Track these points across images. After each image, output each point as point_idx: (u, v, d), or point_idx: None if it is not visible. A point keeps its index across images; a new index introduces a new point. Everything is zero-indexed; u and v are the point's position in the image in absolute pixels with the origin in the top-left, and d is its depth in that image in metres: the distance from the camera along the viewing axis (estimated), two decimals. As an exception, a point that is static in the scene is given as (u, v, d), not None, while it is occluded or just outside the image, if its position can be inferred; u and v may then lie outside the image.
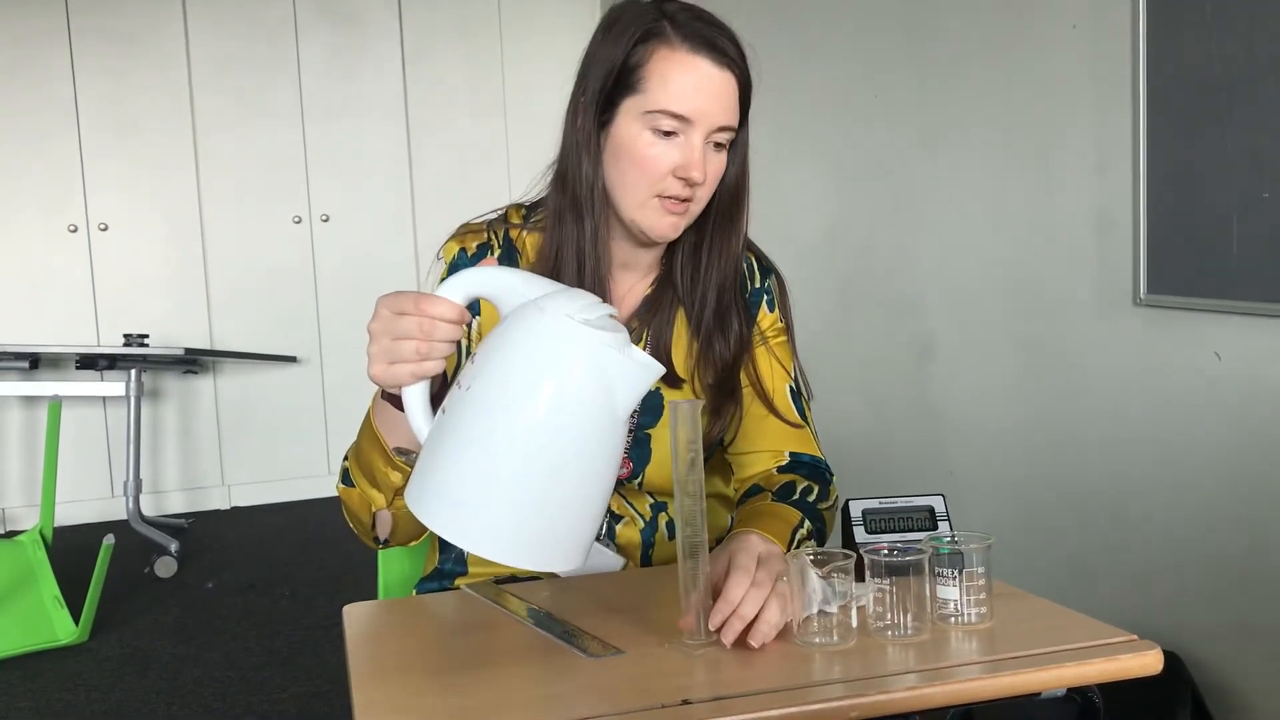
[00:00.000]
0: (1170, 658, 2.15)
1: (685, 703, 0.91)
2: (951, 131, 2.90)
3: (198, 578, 3.82)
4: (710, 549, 1.08)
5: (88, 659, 3.11)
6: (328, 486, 4.66)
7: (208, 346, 4.68)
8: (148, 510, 4.38)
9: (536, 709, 0.94)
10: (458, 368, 1.27)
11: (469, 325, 1.31)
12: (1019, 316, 2.71)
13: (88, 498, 4.55)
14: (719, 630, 1.02)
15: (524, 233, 1.35)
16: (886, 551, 1.06)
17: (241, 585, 3.74)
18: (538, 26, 5.04)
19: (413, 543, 1.27)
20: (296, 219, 4.83)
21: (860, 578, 1.07)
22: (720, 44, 1.21)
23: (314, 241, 4.85)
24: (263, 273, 4.78)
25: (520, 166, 4.91)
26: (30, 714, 2.77)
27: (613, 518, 1.33)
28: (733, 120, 1.23)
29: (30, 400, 4.51)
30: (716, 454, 1.41)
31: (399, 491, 1.15)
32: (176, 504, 4.74)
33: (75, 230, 4.58)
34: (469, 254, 1.33)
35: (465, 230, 1.36)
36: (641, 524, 1.34)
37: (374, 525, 1.23)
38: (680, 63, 1.20)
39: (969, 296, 2.88)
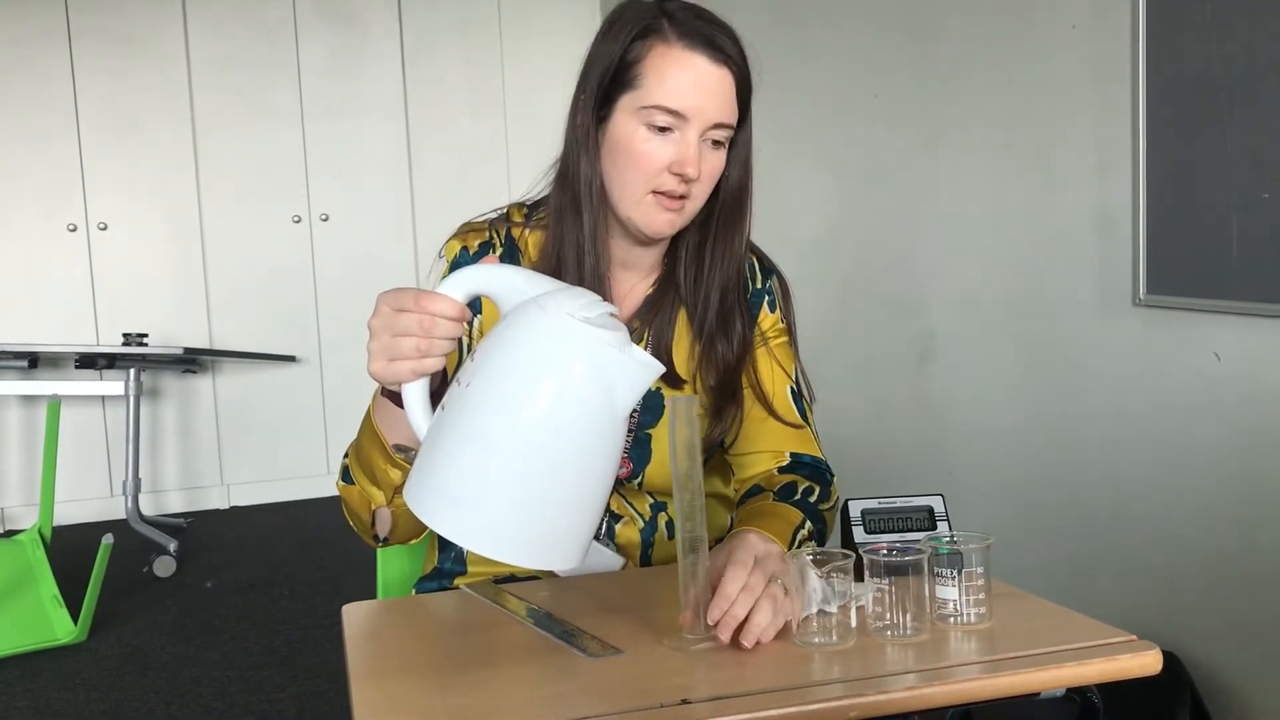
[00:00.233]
0: (1169, 658, 2.15)
1: (684, 702, 0.91)
2: (952, 131, 2.90)
3: (197, 577, 3.82)
4: (710, 549, 1.08)
5: (86, 658, 3.10)
6: (327, 486, 4.66)
7: (207, 346, 4.68)
8: (147, 510, 4.38)
9: (536, 709, 0.94)
10: (459, 365, 1.27)
11: (470, 323, 1.31)
12: (1019, 316, 2.71)
13: (87, 497, 4.55)
14: (717, 625, 1.02)
15: (526, 231, 1.35)
16: (886, 551, 1.06)
17: (240, 585, 3.74)
18: (538, 26, 5.04)
19: (413, 541, 1.27)
20: (296, 219, 4.83)
21: (859, 578, 1.07)
22: (717, 41, 1.21)
23: (313, 241, 4.85)
24: (262, 272, 4.78)
25: (520, 166, 4.92)
26: (29, 713, 2.77)
27: (612, 517, 1.33)
28: (729, 118, 1.23)
29: (29, 399, 4.51)
30: (716, 454, 1.41)
31: (399, 489, 1.15)
32: (175, 503, 4.74)
33: (75, 230, 4.58)
34: (471, 252, 1.33)
35: (467, 229, 1.36)
36: (641, 524, 1.34)
37: (374, 523, 1.23)
38: (676, 59, 1.20)
39: (969, 296, 2.88)
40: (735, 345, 1.34)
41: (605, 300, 1.01)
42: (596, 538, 1.32)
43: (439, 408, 1.01)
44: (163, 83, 4.64)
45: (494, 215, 1.38)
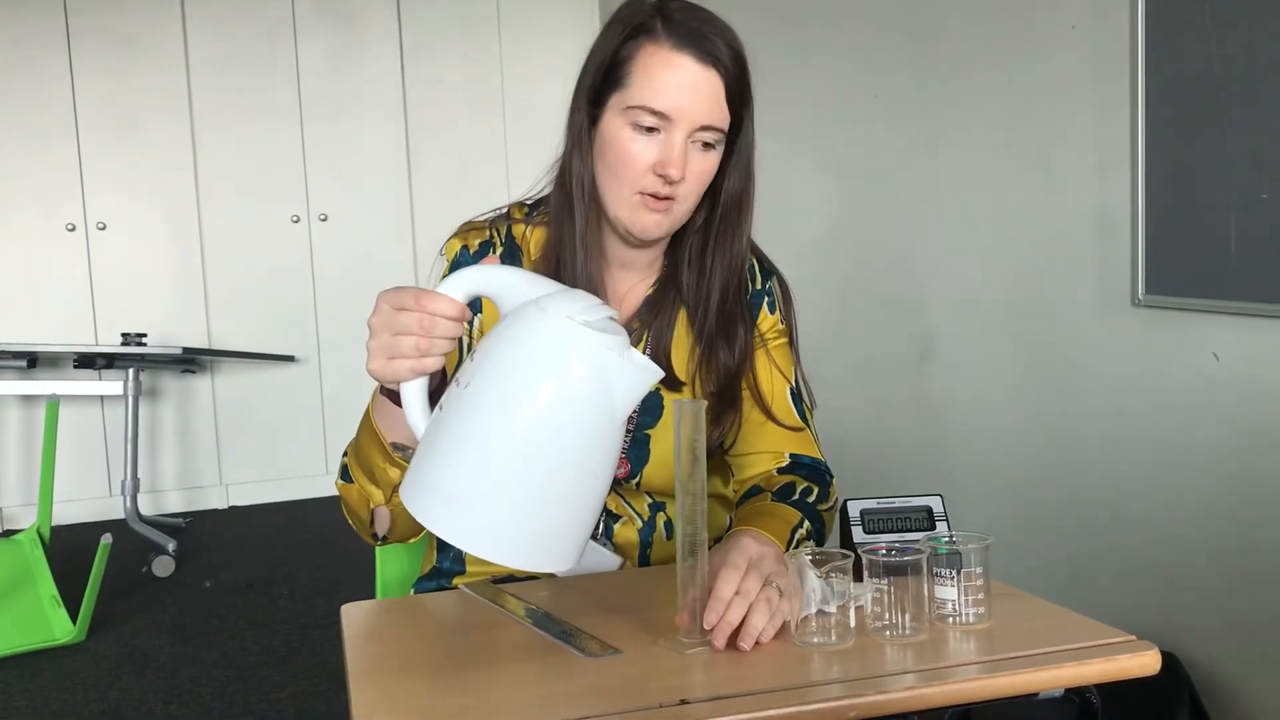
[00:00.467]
0: (1168, 658, 2.15)
1: (683, 702, 0.91)
2: (951, 132, 2.90)
3: (195, 577, 3.82)
4: (709, 549, 1.08)
5: (85, 658, 3.10)
6: (326, 486, 4.66)
7: (206, 346, 4.68)
8: (145, 509, 4.37)
9: (534, 709, 0.94)
10: (458, 365, 1.27)
11: (470, 323, 1.31)
12: (1018, 317, 2.71)
13: (85, 497, 4.55)
14: (712, 630, 1.02)
15: (527, 230, 1.35)
16: (885, 551, 1.06)
17: (239, 585, 3.74)
18: (537, 26, 5.04)
19: (412, 540, 1.27)
20: (295, 219, 4.82)
21: (858, 578, 1.07)
22: (707, 43, 1.20)
23: (312, 241, 4.85)
24: (261, 272, 4.78)
25: (519, 166, 4.91)
26: (28, 713, 2.77)
27: (610, 517, 1.33)
28: (718, 120, 1.22)
29: (28, 399, 4.51)
30: (715, 455, 1.41)
31: (397, 488, 1.15)
32: (174, 503, 4.74)
33: (73, 229, 4.58)
34: (471, 251, 1.33)
35: (468, 228, 1.36)
36: (639, 524, 1.34)
37: (372, 522, 1.23)
38: (664, 59, 1.20)
39: (968, 296, 2.88)
40: (737, 352, 1.33)
41: (603, 300, 1.01)
42: (595, 538, 1.32)
43: (437, 407, 1.00)
44: (162, 83, 4.64)
45: (495, 214, 1.38)
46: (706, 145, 1.23)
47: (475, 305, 1.31)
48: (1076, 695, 0.99)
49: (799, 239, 3.46)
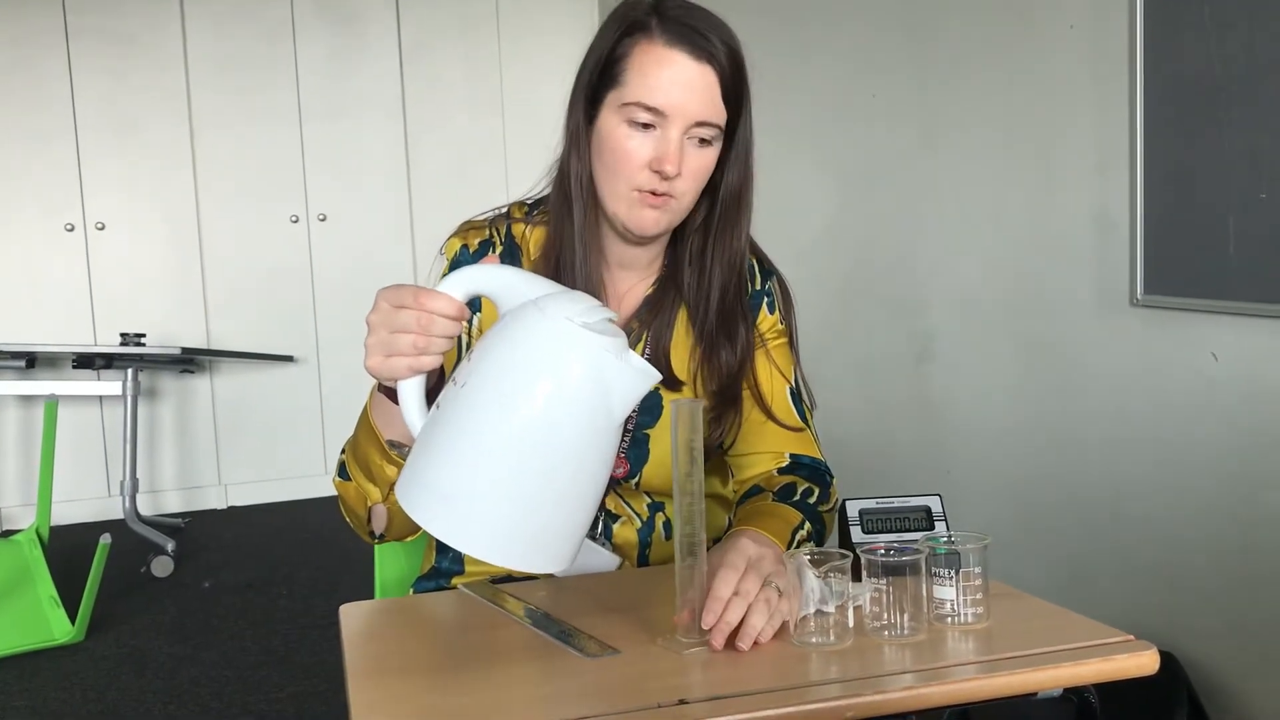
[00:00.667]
0: (1167, 658, 2.15)
1: (682, 702, 0.91)
2: (951, 131, 2.90)
3: (194, 577, 3.82)
4: (707, 550, 1.08)
5: (84, 658, 3.10)
6: (325, 486, 4.66)
7: (205, 346, 4.68)
8: (144, 510, 4.37)
9: (533, 709, 0.94)
10: (456, 364, 1.27)
11: (470, 322, 1.31)
12: (1018, 316, 2.71)
13: (84, 497, 4.54)
14: (711, 630, 1.02)
15: (527, 229, 1.35)
16: (883, 551, 1.06)
17: (238, 585, 3.74)
18: (536, 25, 5.04)
19: (409, 538, 1.27)
20: (294, 218, 4.82)
21: (857, 578, 1.07)
22: (701, 39, 1.20)
23: (311, 241, 4.85)
24: (260, 272, 4.78)
25: (518, 165, 4.91)
26: (26, 713, 2.77)
27: (609, 517, 1.33)
28: (713, 116, 1.22)
29: (27, 399, 4.51)
30: (715, 455, 1.40)
31: (394, 486, 1.15)
32: (173, 503, 4.74)
33: (72, 229, 4.58)
34: (471, 250, 1.33)
35: (468, 227, 1.36)
36: (638, 524, 1.34)
37: (370, 520, 1.23)
38: (658, 56, 1.20)
39: (968, 296, 2.88)
40: (738, 350, 1.33)
41: (602, 300, 1.01)
42: (593, 538, 1.32)
43: (434, 406, 1.00)
44: (161, 82, 4.64)
45: (495, 214, 1.38)
46: (703, 141, 1.23)
47: (475, 304, 1.31)
48: (1075, 695, 1.00)
49: (798, 239, 3.46)
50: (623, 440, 1.31)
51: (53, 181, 4.55)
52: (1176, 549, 2.27)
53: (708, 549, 1.08)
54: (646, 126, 1.21)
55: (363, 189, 4.89)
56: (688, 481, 1.02)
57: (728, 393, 1.34)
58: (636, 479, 1.33)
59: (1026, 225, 2.65)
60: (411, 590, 1.39)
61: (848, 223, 3.39)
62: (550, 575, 1.29)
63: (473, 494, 0.94)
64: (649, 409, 1.32)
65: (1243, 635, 2.14)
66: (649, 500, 1.34)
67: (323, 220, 4.85)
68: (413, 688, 0.98)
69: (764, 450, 1.37)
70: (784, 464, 1.36)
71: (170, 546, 3.86)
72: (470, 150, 4.98)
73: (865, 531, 1.25)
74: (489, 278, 1.03)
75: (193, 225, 4.72)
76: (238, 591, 3.67)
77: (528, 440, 0.94)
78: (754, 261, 1.39)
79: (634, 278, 1.35)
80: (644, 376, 0.97)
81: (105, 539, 3.16)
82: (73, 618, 3.17)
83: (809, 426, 1.39)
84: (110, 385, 4.12)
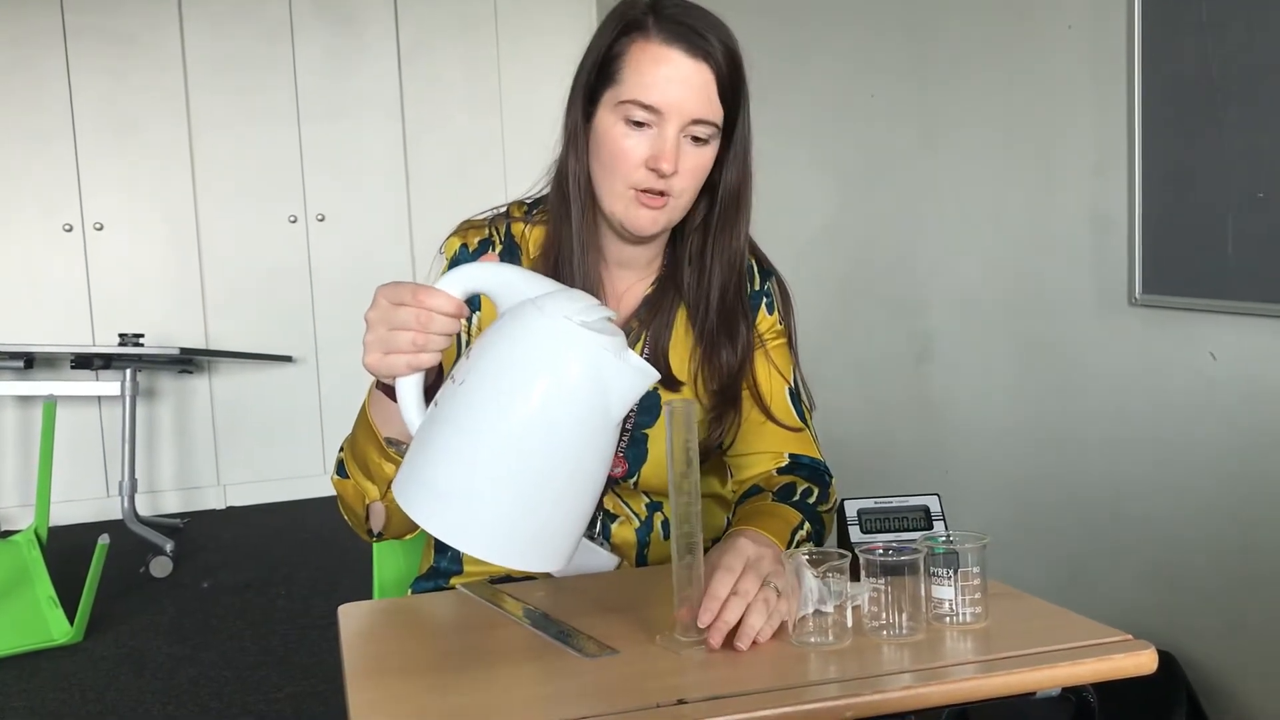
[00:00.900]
0: (1166, 658, 2.15)
1: (681, 702, 0.91)
2: (950, 131, 2.90)
3: (193, 577, 3.82)
4: (706, 550, 1.08)
5: (83, 659, 3.10)
6: (323, 486, 4.66)
7: (203, 346, 4.68)
8: (143, 510, 4.37)
9: (532, 709, 0.94)
10: (456, 361, 1.27)
11: (469, 320, 1.31)
12: (1017, 316, 2.71)
13: (83, 497, 4.54)
14: (709, 629, 1.02)
15: (527, 228, 1.35)
16: (882, 551, 1.06)
17: (237, 585, 3.74)
18: (534, 26, 5.04)
19: (408, 537, 1.27)
20: (293, 219, 4.82)
21: (856, 577, 1.07)
22: (697, 38, 1.20)
23: (310, 241, 4.85)
24: (259, 272, 4.78)
25: (517, 165, 4.91)
26: (25, 714, 2.77)
27: (608, 517, 1.33)
28: (710, 114, 1.22)
29: (25, 400, 4.50)
30: (714, 455, 1.40)
31: (392, 484, 1.15)
32: (172, 504, 4.74)
33: (71, 230, 4.57)
34: (471, 249, 1.33)
35: (467, 226, 1.36)
36: (637, 524, 1.34)
37: (368, 518, 1.23)
38: (654, 54, 1.20)
39: (967, 296, 2.88)
40: (739, 350, 1.33)
41: (601, 299, 1.00)
42: (592, 538, 1.32)
43: (432, 404, 1.00)
44: (159, 82, 4.64)
45: (494, 213, 1.38)
46: (700, 140, 1.23)
47: (474, 303, 1.31)
48: (1073, 694, 0.99)
49: (797, 239, 3.46)
50: (621, 440, 1.31)
51: (51, 181, 4.54)
52: (1175, 549, 2.27)
53: (707, 549, 1.08)
54: (643, 125, 1.21)
55: (361, 189, 4.89)
56: (684, 481, 1.02)
57: (728, 393, 1.34)
58: (635, 479, 1.33)
59: (1026, 225, 2.66)
60: (410, 590, 1.39)
61: (847, 223, 3.39)
62: (549, 575, 1.29)
63: (470, 492, 0.94)
64: (648, 409, 1.32)
65: (1242, 635, 2.14)
66: (647, 500, 1.34)
67: (321, 220, 4.85)
68: (411, 688, 0.97)
69: (763, 450, 1.37)
70: (783, 464, 1.36)
71: (169, 547, 3.86)
72: (469, 150, 4.98)
73: (864, 531, 1.24)
74: (487, 275, 1.03)
75: (191, 225, 4.71)
76: (236, 592, 3.67)
77: (525, 439, 0.94)
78: (753, 262, 1.39)
79: (633, 277, 1.35)
80: (642, 375, 0.97)
81: (104, 539, 3.16)
82: (71, 618, 3.17)
83: (808, 427, 1.39)
84: (109, 385, 4.12)
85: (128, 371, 4.07)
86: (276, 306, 4.81)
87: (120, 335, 4.20)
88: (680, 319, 1.35)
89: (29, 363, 4.17)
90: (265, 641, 3.21)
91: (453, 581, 1.34)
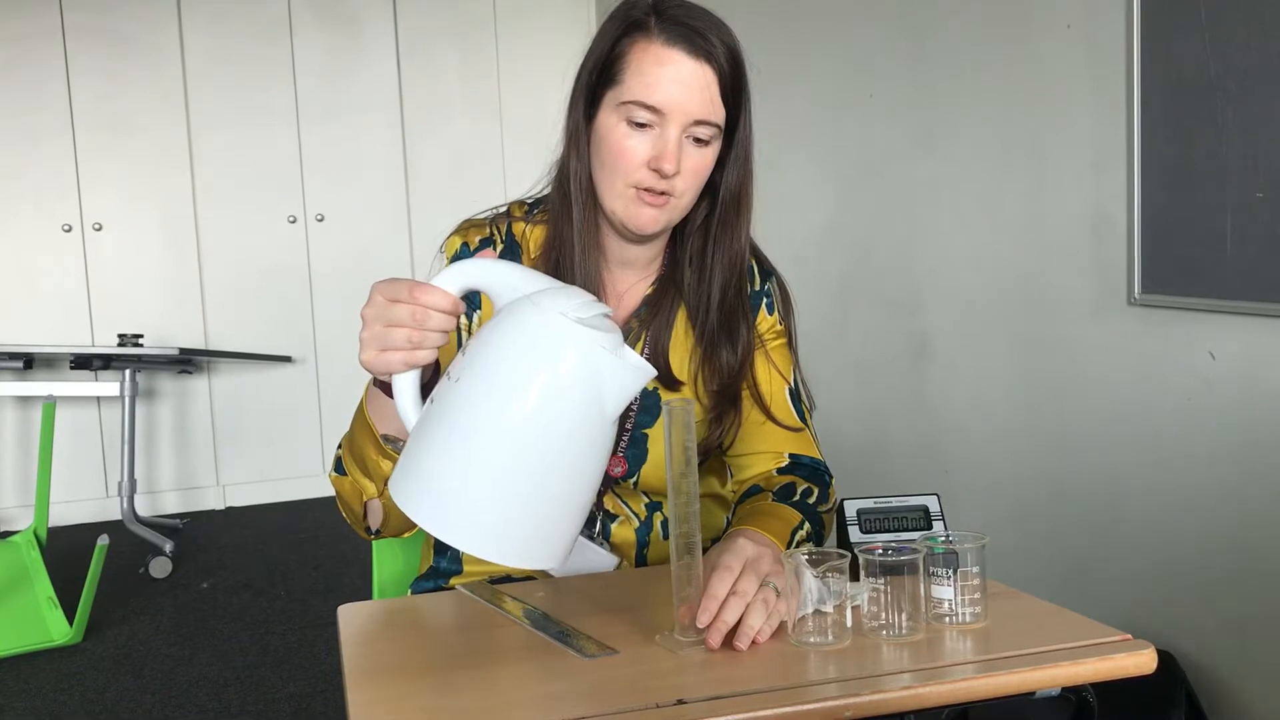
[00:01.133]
0: (1165, 657, 2.15)
1: (680, 702, 0.91)
2: (949, 131, 2.91)
3: (193, 578, 3.82)
4: (705, 550, 1.08)
5: (82, 659, 3.10)
6: (323, 486, 4.66)
7: (202, 346, 4.68)
8: (142, 510, 4.37)
9: (532, 709, 0.94)
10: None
11: (470, 317, 1.31)
12: (1014, 316, 2.71)
13: (82, 498, 4.54)
14: (708, 629, 1.02)
15: (528, 228, 1.35)
16: (881, 551, 1.06)
17: (236, 585, 3.74)
18: (533, 26, 5.04)
19: (406, 534, 1.27)
20: (291, 219, 4.82)
21: (855, 577, 1.07)
22: (699, 38, 1.20)
23: (309, 241, 4.85)
24: (258, 273, 4.78)
25: (515, 166, 4.91)
26: (24, 714, 2.77)
27: (607, 517, 1.33)
28: (711, 115, 1.22)
29: (25, 400, 4.50)
30: (714, 455, 1.40)
31: (389, 481, 1.15)
32: (171, 504, 4.73)
33: (70, 230, 4.57)
34: (471, 248, 1.33)
35: (468, 225, 1.36)
36: (636, 523, 1.34)
37: (366, 515, 1.23)
38: (656, 55, 1.20)
39: (965, 296, 2.88)
40: (739, 350, 1.33)
41: (601, 299, 1.00)
42: (591, 538, 1.32)
43: (428, 400, 1.00)
44: (158, 82, 4.64)
45: (495, 212, 1.38)
46: (701, 141, 1.23)
47: (474, 300, 1.32)
48: (1073, 694, 1.00)
49: (795, 238, 3.46)
50: (621, 439, 1.31)
51: (50, 182, 4.54)
52: (1175, 548, 2.27)
53: (706, 549, 1.08)
54: (645, 126, 1.21)
55: (360, 189, 4.89)
56: (682, 481, 1.02)
57: (728, 393, 1.34)
58: (635, 479, 1.33)
59: (1025, 225, 2.66)
60: (410, 590, 1.39)
61: (845, 222, 3.39)
62: (548, 575, 1.29)
63: (465, 490, 0.94)
64: (648, 408, 1.32)
65: (1241, 635, 2.14)
66: (646, 500, 1.35)
67: (320, 220, 4.85)
68: (411, 688, 0.97)
69: (763, 450, 1.37)
70: (783, 464, 1.36)
71: (168, 547, 3.86)
72: (468, 150, 4.98)
73: (863, 531, 1.25)
74: (484, 272, 1.02)
75: (190, 225, 4.71)
76: (236, 592, 3.67)
77: (521, 436, 0.94)
78: (753, 262, 1.39)
79: (634, 277, 1.35)
80: (639, 372, 0.97)
81: (103, 540, 3.16)
82: (71, 619, 3.17)
83: (808, 427, 1.39)
84: (108, 386, 4.12)
85: (127, 372, 4.07)
86: (276, 307, 4.81)
87: (119, 336, 4.20)
88: (680, 319, 1.35)
89: (28, 363, 4.17)
90: (264, 642, 3.21)
91: (452, 581, 1.34)
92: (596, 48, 1.25)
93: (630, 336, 1.32)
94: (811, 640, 1.03)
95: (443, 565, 1.36)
